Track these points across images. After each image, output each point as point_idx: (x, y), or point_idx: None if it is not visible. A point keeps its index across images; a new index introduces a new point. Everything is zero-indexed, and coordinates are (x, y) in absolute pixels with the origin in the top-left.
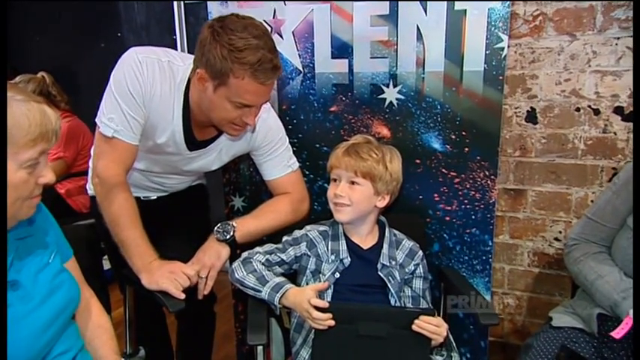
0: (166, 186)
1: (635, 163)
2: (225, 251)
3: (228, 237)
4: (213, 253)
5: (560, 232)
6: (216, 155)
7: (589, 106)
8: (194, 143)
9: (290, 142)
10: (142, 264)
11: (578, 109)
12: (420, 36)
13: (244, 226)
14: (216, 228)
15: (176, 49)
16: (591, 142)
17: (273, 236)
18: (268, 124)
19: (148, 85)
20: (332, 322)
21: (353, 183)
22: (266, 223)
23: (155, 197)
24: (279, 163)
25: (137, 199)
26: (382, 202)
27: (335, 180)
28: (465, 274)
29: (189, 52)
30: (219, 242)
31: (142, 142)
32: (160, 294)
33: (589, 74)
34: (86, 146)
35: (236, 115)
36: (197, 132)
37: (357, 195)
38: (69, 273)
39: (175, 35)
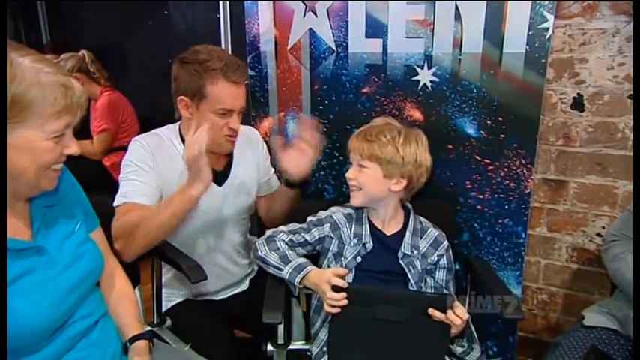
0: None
1: (634, 164)
2: None
3: None
4: None
5: (603, 228)
6: (244, 180)
7: None
8: (217, 176)
9: (320, 123)
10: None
11: (630, 97)
12: (458, 15)
13: None
14: None
15: (219, 28)
16: None
17: (298, 217)
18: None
19: (150, 149)
20: (345, 302)
21: (362, 166)
22: None
23: (227, 295)
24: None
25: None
26: (398, 186)
27: (352, 164)
28: (494, 266)
29: (231, 31)
30: None
31: None
32: (183, 265)
33: None
34: (127, 119)
35: (223, 124)
36: (211, 163)
37: (364, 178)
38: (94, 242)
39: (219, 14)
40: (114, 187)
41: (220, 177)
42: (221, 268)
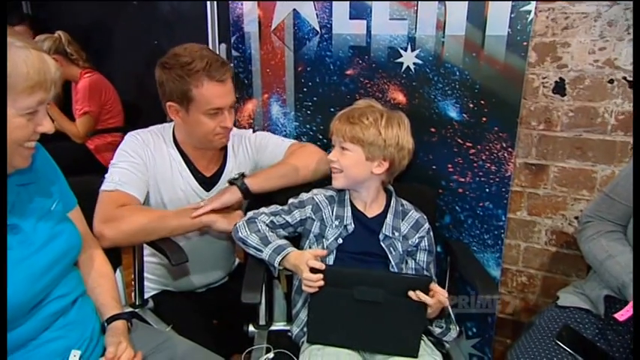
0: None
1: (635, 161)
2: (230, 193)
3: (236, 177)
4: (225, 192)
5: (582, 211)
6: None
7: (624, 78)
8: (205, 182)
9: (304, 105)
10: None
11: (611, 81)
12: None
13: (256, 175)
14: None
15: (206, 11)
16: (623, 116)
17: (280, 198)
18: (251, 134)
19: (145, 145)
20: (321, 283)
21: (343, 149)
22: (277, 171)
23: (205, 289)
24: (275, 144)
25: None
26: (380, 169)
27: (334, 146)
28: (475, 248)
29: (218, 14)
30: (229, 184)
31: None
32: (164, 247)
33: (627, 43)
34: (109, 101)
35: (214, 125)
36: (201, 168)
37: (346, 161)
38: (71, 222)
39: None
40: (98, 169)
41: (208, 183)
42: (205, 268)
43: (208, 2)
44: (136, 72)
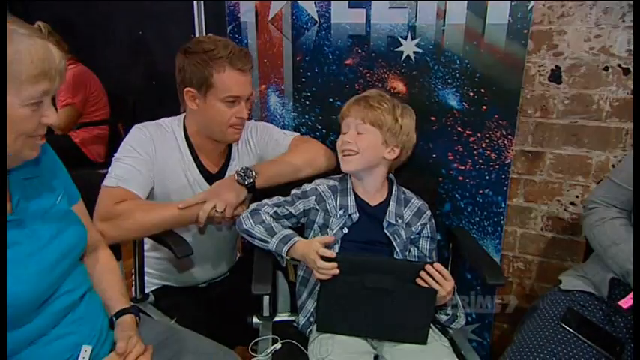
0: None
1: (635, 149)
2: (243, 195)
3: (247, 182)
4: (232, 191)
5: (577, 197)
6: None
7: (619, 65)
8: (210, 178)
9: (303, 96)
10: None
11: (606, 68)
12: None
13: (265, 172)
14: (237, 171)
15: (192, 3)
16: (618, 103)
17: (283, 190)
18: (253, 125)
19: (152, 139)
20: (336, 271)
21: (360, 132)
22: (285, 166)
23: (206, 284)
24: (278, 139)
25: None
26: (391, 154)
27: (345, 133)
28: (475, 235)
29: (205, 6)
30: (238, 184)
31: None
32: (168, 240)
33: (622, 30)
34: (94, 92)
35: (231, 114)
36: (208, 164)
37: (364, 142)
38: (76, 216)
39: None
40: (84, 162)
41: (214, 179)
42: (208, 262)
43: (195, 2)
44: (119, 63)
